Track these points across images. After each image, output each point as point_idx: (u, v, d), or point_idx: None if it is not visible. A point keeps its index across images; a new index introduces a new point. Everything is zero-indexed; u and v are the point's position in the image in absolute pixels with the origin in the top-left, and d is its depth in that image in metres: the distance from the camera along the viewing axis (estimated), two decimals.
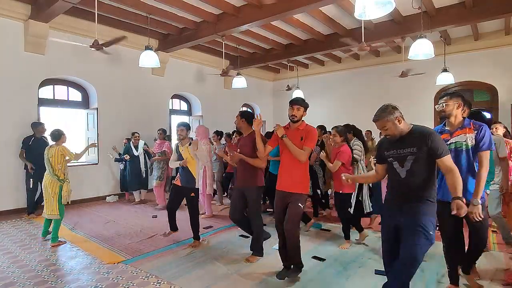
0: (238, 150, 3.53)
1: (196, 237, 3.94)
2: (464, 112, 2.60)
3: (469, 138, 2.44)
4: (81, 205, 6.27)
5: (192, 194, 3.90)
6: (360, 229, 3.97)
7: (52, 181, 3.97)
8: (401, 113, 2.18)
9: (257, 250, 3.49)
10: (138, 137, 6.44)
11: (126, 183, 6.47)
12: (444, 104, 2.54)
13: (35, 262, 3.43)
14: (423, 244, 2.02)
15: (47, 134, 5.44)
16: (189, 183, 3.88)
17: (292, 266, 2.99)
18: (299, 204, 2.88)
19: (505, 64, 7.43)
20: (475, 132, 2.44)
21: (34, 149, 5.22)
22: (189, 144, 3.93)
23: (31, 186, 5.38)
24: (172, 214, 4.03)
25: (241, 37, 7.51)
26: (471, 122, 2.51)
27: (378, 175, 2.47)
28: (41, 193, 5.12)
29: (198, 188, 4.03)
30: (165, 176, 6.07)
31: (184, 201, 4.05)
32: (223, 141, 6.29)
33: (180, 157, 3.94)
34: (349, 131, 4.28)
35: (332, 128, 4.07)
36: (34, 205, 5.48)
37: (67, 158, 4.06)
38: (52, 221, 4.05)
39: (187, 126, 3.98)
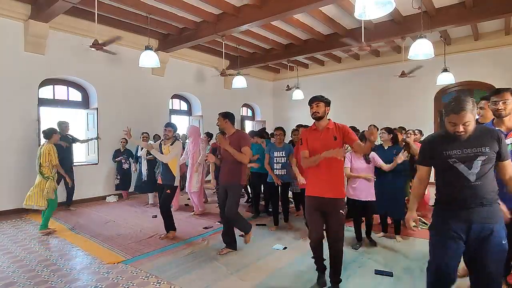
0: (222, 150, 3.66)
1: (172, 228, 4.22)
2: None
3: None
4: (81, 205, 6.27)
5: (168, 191, 4.08)
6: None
7: (40, 177, 4.29)
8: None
9: (246, 227, 3.65)
10: (147, 137, 6.38)
11: (143, 183, 6.31)
12: (502, 101, 2.28)
13: (35, 262, 3.43)
14: (501, 257, 1.86)
15: (69, 133, 6.03)
16: (167, 180, 4.10)
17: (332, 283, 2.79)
18: (341, 211, 2.67)
19: (505, 64, 7.43)
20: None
21: (60, 147, 5.33)
22: (171, 144, 4.14)
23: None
24: (168, 213, 4.19)
25: (241, 37, 7.51)
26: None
27: (424, 182, 2.11)
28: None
29: (177, 186, 4.19)
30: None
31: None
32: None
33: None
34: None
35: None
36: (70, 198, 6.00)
37: (55, 162, 4.35)
38: (45, 212, 4.36)
39: (174, 127, 4.23)
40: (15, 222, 5.07)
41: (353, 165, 3.74)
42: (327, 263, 2.85)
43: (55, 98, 6.62)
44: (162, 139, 4.31)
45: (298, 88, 9.15)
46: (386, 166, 3.73)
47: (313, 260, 2.90)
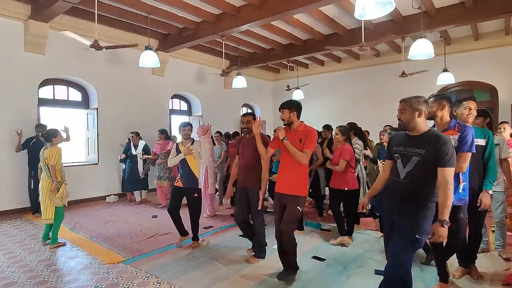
0: (240, 151, 3.56)
1: (196, 238, 3.93)
2: (470, 113, 2.69)
3: (453, 140, 2.44)
4: (81, 205, 6.27)
5: (196, 195, 3.85)
6: (350, 232, 4.02)
7: (49, 183, 3.89)
8: (428, 111, 2.13)
9: (258, 250, 3.48)
10: (135, 136, 6.34)
11: (125, 183, 6.46)
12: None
13: (35, 262, 3.43)
14: (408, 247, 2.03)
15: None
16: (191, 184, 3.85)
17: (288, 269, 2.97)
18: (298, 207, 2.86)
19: (505, 64, 7.43)
20: (459, 134, 2.46)
21: (36, 150, 5.15)
22: (191, 143, 3.89)
23: (32, 187, 5.37)
24: (177, 217, 3.89)
25: (241, 37, 7.51)
26: (457, 124, 2.54)
27: (386, 173, 2.33)
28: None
29: (201, 189, 4.01)
30: (172, 177, 6.04)
31: (184, 201, 4.01)
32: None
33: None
34: (351, 130, 4.34)
35: (336, 127, 4.12)
36: (38, 205, 5.43)
37: (53, 163, 3.87)
38: (46, 225, 3.99)
39: (192, 126, 4.00)
40: (15, 222, 5.07)
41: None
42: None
43: (55, 98, 6.62)
44: (177, 141, 4.09)
45: (298, 88, 9.15)
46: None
47: (313, 260, 2.91)
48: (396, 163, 2.14)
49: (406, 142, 2.12)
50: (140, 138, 6.45)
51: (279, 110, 2.97)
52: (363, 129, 5.21)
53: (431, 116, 2.58)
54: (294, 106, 2.94)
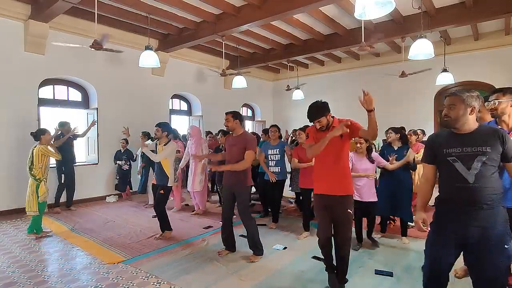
0: (227, 149, 3.60)
1: (168, 228, 4.23)
2: None
3: None
4: (81, 205, 6.27)
5: (161, 191, 4.09)
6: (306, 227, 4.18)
7: (31, 179, 4.19)
8: (480, 109, 1.87)
9: (256, 249, 3.50)
10: (143, 136, 6.32)
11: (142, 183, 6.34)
12: (496, 101, 2.29)
13: (35, 262, 3.43)
14: (505, 265, 1.78)
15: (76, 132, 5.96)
16: (161, 181, 4.11)
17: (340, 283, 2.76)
18: (348, 209, 2.64)
19: (505, 64, 7.42)
20: None
21: (61, 148, 5.42)
22: (165, 144, 4.14)
23: (62, 181, 5.82)
24: (162, 214, 4.21)
25: (241, 37, 7.51)
26: None
27: (430, 181, 2.02)
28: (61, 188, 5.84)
29: (170, 187, 4.19)
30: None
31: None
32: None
33: None
34: None
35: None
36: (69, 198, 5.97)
37: (53, 158, 4.34)
38: (31, 218, 4.27)
39: (163, 127, 4.18)
40: (15, 222, 5.07)
41: (355, 166, 3.70)
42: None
43: (55, 98, 6.62)
44: (157, 139, 4.35)
45: (298, 88, 9.15)
46: (390, 166, 3.71)
47: (313, 260, 2.88)
48: (454, 167, 1.83)
49: (460, 141, 1.84)
50: (151, 139, 6.36)
51: (312, 120, 2.67)
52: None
53: (500, 114, 2.30)
54: (326, 109, 2.67)
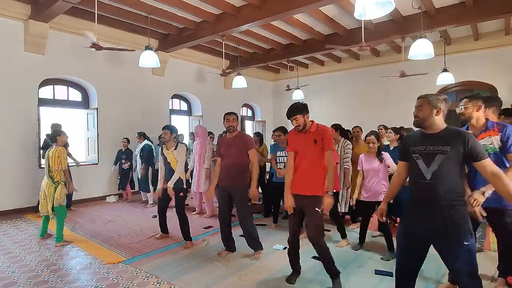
0: (223, 150, 3.55)
1: (188, 237, 3.94)
2: (493, 113, 2.58)
3: (494, 141, 2.36)
4: (81, 205, 6.27)
5: (181, 194, 3.90)
6: (343, 235, 3.95)
7: (48, 182, 3.96)
8: (446, 110, 1.98)
9: (257, 246, 3.54)
10: (139, 136, 6.38)
11: (139, 182, 6.37)
12: (463, 106, 2.49)
13: (35, 262, 3.43)
14: (472, 254, 1.86)
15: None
16: (175, 184, 3.88)
17: (332, 277, 2.82)
18: (316, 208, 2.72)
19: (505, 64, 7.43)
20: (500, 133, 2.36)
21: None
22: (175, 148, 3.91)
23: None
24: (163, 217, 4.12)
25: (241, 37, 7.51)
26: (495, 124, 2.44)
27: (401, 176, 2.19)
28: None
29: (186, 188, 4.03)
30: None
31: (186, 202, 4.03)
32: (215, 141, 6.32)
33: (165, 160, 3.96)
34: (335, 130, 4.35)
35: None
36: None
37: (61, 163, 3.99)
38: (55, 222, 4.02)
39: (171, 130, 3.97)
40: (15, 222, 5.07)
41: (365, 166, 3.71)
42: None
43: (55, 98, 6.62)
44: (163, 143, 4.12)
45: (298, 88, 9.15)
46: (395, 167, 3.71)
47: (313, 260, 2.89)
48: (417, 164, 1.98)
49: (425, 140, 1.98)
50: (147, 139, 6.41)
51: (289, 118, 2.78)
52: (363, 129, 5.20)
53: (467, 118, 2.49)
54: (304, 109, 2.78)
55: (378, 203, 3.67)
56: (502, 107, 2.90)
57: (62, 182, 4.01)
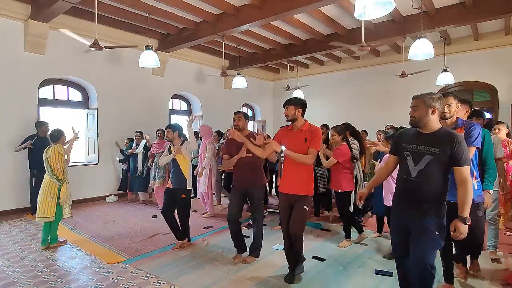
0: (234, 151, 3.49)
1: (186, 237, 3.93)
2: (466, 112, 2.66)
3: None
4: (81, 205, 6.27)
5: (183, 196, 3.79)
6: (360, 230, 3.97)
7: (51, 181, 3.87)
8: (442, 109, 2.05)
9: (255, 251, 3.47)
10: (140, 136, 6.42)
11: (132, 182, 6.45)
12: (447, 105, 2.54)
13: (35, 262, 3.43)
14: (431, 247, 1.99)
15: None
16: (180, 184, 3.80)
17: (296, 265, 2.99)
18: (305, 206, 2.85)
19: (505, 64, 7.42)
20: (465, 130, 2.46)
21: (37, 148, 5.13)
22: (181, 144, 3.90)
23: (34, 185, 5.32)
24: (171, 220, 3.83)
25: (241, 37, 7.51)
26: (464, 122, 2.53)
27: (388, 168, 2.31)
28: None
29: (190, 190, 3.95)
30: (167, 176, 6.02)
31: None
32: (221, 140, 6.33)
33: (173, 162, 3.91)
34: (346, 130, 4.34)
35: (331, 128, 4.11)
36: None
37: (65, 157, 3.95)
38: (50, 224, 3.91)
39: (173, 128, 3.94)
40: (15, 222, 5.07)
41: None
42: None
43: (55, 98, 6.62)
44: (169, 143, 4.06)
45: (298, 88, 9.15)
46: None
47: (313, 260, 2.91)
48: (406, 161, 2.08)
49: (418, 140, 2.04)
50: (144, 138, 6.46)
51: (284, 106, 2.92)
52: (362, 129, 5.20)
53: (449, 116, 2.55)
54: (299, 103, 2.88)
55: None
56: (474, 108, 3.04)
57: (66, 181, 3.95)
